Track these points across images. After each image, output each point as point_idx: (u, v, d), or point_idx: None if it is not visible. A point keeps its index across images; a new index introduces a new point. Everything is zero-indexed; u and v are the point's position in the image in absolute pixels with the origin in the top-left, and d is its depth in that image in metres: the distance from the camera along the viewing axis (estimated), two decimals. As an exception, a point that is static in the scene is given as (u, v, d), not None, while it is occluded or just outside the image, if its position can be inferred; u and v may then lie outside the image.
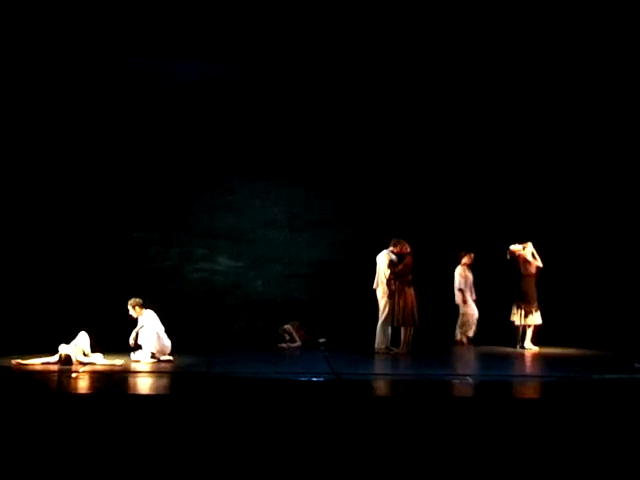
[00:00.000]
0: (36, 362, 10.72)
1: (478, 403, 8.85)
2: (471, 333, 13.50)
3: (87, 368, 10.62)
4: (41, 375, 10.19)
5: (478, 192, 14.43)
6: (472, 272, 13.62)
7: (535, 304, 13.05)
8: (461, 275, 13.54)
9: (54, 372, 10.36)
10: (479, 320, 13.51)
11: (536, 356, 12.72)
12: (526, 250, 13.19)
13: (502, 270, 13.43)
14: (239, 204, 14.41)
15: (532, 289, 13.10)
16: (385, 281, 12.48)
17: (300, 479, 7.17)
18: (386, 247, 12.64)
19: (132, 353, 11.32)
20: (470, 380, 10.11)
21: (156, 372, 10.61)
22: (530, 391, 10.01)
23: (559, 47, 13.37)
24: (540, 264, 13.13)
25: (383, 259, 12.59)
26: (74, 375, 10.18)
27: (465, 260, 13.59)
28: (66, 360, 10.67)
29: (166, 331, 11.39)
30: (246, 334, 13.83)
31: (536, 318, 13.04)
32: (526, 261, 13.13)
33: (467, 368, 11.07)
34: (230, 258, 14.38)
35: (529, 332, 13.14)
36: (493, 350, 13.06)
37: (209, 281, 14.31)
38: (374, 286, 12.67)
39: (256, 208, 14.43)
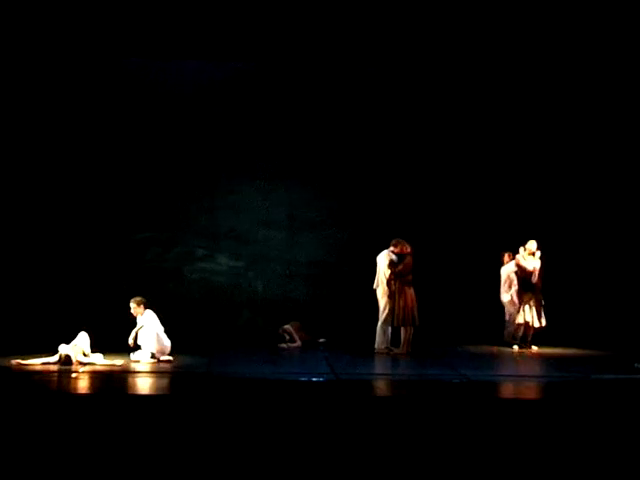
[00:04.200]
0: (36, 362, 10.71)
1: (478, 403, 8.84)
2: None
3: (87, 368, 10.62)
4: (41, 375, 10.19)
5: (479, 192, 14.42)
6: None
7: (519, 306, 13.11)
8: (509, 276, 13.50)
9: (54, 372, 10.35)
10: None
11: (536, 356, 12.73)
12: (520, 254, 13.22)
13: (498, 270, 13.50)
14: (239, 204, 14.40)
15: (519, 291, 13.18)
16: (385, 281, 12.47)
17: (300, 479, 7.17)
18: (386, 247, 12.63)
19: (132, 353, 11.32)
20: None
21: (156, 372, 10.61)
22: (530, 391, 10.01)
23: (559, 47, 13.38)
24: (536, 276, 13.14)
25: (383, 259, 12.59)
26: (74, 375, 10.19)
27: (507, 260, 13.56)
28: (66, 360, 10.67)
29: (166, 331, 11.38)
30: (246, 334, 13.82)
31: (518, 318, 13.13)
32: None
33: (466, 368, 11.06)
34: (230, 258, 14.37)
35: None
36: (493, 350, 13.08)
37: (209, 281, 14.31)
38: (374, 286, 12.66)
39: (256, 208, 14.42)
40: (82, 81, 13.88)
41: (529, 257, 13.16)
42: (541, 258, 13.17)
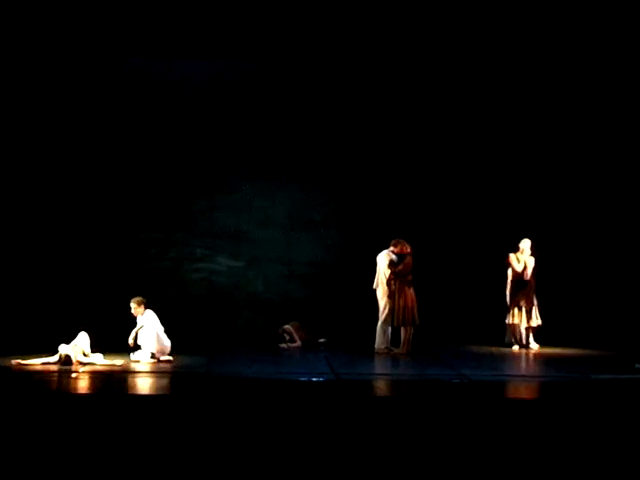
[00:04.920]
0: (36, 362, 10.71)
1: (478, 403, 8.84)
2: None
3: (87, 368, 10.62)
4: (41, 375, 10.19)
5: (478, 192, 14.42)
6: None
7: (510, 305, 13.15)
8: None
9: (54, 372, 10.35)
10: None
11: (536, 356, 12.73)
12: (514, 255, 13.24)
13: (501, 270, 13.48)
14: (239, 204, 14.39)
15: (511, 291, 13.20)
16: (385, 281, 12.47)
17: (300, 479, 7.17)
18: (386, 247, 12.64)
19: (132, 353, 11.32)
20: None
21: (156, 372, 10.61)
22: (529, 391, 10.02)
23: (559, 47, 13.38)
24: (528, 275, 13.18)
25: (383, 259, 12.59)
26: (74, 375, 10.19)
27: None
28: (66, 360, 10.66)
29: (166, 331, 11.38)
30: (246, 334, 13.82)
31: (508, 319, 13.18)
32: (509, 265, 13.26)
33: (466, 368, 11.07)
34: (230, 258, 14.37)
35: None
36: (493, 350, 13.08)
37: (209, 281, 14.31)
38: (374, 286, 12.67)
39: (256, 208, 14.42)
40: (83, 81, 13.87)
41: (522, 256, 13.17)
42: (533, 256, 13.16)
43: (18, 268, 13.48)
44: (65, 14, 12.53)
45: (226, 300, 14.23)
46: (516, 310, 13.09)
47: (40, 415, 7.84)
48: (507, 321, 13.17)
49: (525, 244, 13.20)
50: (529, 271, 13.15)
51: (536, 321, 13.14)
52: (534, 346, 13.16)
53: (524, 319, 13.08)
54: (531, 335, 13.24)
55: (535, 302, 13.17)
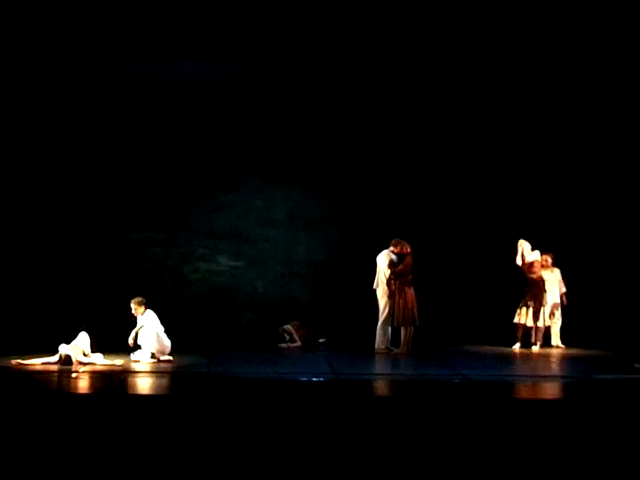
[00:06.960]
0: (36, 362, 10.72)
1: (478, 404, 8.85)
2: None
3: (87, 368, 10.63)
4: (41, 375, 10.19)
5: (479, 192, 14.41)
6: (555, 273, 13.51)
7: (519, 304, 13.15)
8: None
9: (54, 372, 10.36)
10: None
11: (536, 356, 12.73)
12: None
13: (502, 270, 13.49)
14: (239, 204, 14.40)
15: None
16: (385, 281, 12.47)
17: (300, 479, 7.17)
18: (386, 247, 12.64)
19: (132, 353, 11.32)
20: None
21: (156, 372, 10.61)
22: (530, 391, 10.02)
23: (559, 47, 13.37)
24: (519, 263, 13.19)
25: (383, 259, 12.59)
26: (74, 375, 10.19)
27: (547, 263, 13.49)
28: (66, 360, 10.67)
29: (166, 331, 11.39)
30: (246, 334, 13.82)
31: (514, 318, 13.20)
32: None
33: (466, 368, 11.08)
34: (230, 258, 14.37)
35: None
36: (494, 350, 13.07)
37: (209, 281, 14.30)
38: (374, 286, 12.67)
39: (256, 208, 14.42)
40: (84, 81, 13.86)
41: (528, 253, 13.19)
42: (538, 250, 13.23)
43: (18, 268, 13.48)
44: (68, 16, 12.53)
45: (226, 300, 14.23)
46: (523, 309, 13.07)
47: (40, 415, 7.84)
48: (514, 320, 13.15)
49: (521, 244, 13.20)
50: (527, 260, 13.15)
51: (542, 322, 13.11)
52: (535, 347, 13.11)
53: (530, 319, 13.05)
54: (544, 336, 13.23)
55: (545, 303, 13.13)
